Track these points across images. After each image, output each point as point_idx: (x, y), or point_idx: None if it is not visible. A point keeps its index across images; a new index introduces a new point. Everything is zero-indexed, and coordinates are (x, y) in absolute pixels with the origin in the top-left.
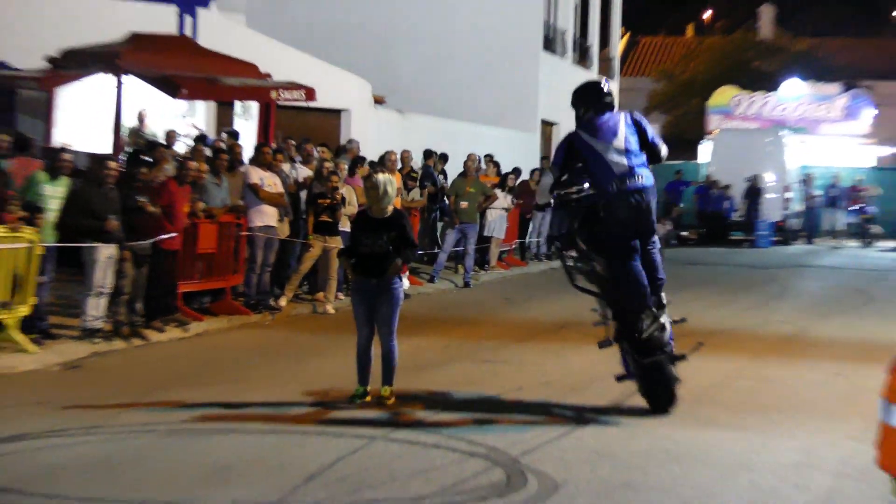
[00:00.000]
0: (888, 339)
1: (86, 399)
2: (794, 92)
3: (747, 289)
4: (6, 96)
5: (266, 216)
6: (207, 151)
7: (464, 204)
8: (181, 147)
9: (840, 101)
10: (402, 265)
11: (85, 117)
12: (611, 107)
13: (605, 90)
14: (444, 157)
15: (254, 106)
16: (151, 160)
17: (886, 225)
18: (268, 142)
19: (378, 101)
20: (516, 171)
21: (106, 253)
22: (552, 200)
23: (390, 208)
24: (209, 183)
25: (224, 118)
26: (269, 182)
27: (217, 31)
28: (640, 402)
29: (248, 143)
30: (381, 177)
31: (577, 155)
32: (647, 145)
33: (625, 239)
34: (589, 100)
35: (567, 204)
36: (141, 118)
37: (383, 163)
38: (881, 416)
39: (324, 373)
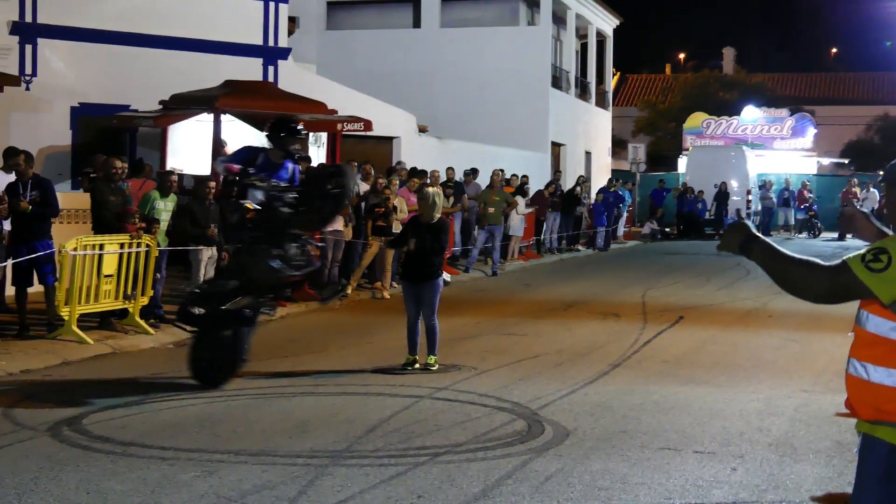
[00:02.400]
0: (831, 311)
1: None
2: (752, 116)
3: (718, 273)
4: (129, 132)
5: (334, 223)
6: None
7: (491, 210)
8: None
9: (788, 123)
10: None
11: (190, 147)
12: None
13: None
14: (475, 172)
15: (323, 136)
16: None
17: (826, 220)
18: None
19: (422, 129)
20: (524, 179)
21: (207, 254)
22: None
23: (437, 216)
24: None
25: (302, 148)
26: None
27: (294, 78)
28: (635, 364)
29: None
30: (431, 190)
31: None
32: None
33: None
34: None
35: None
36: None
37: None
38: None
39: (381, 345)
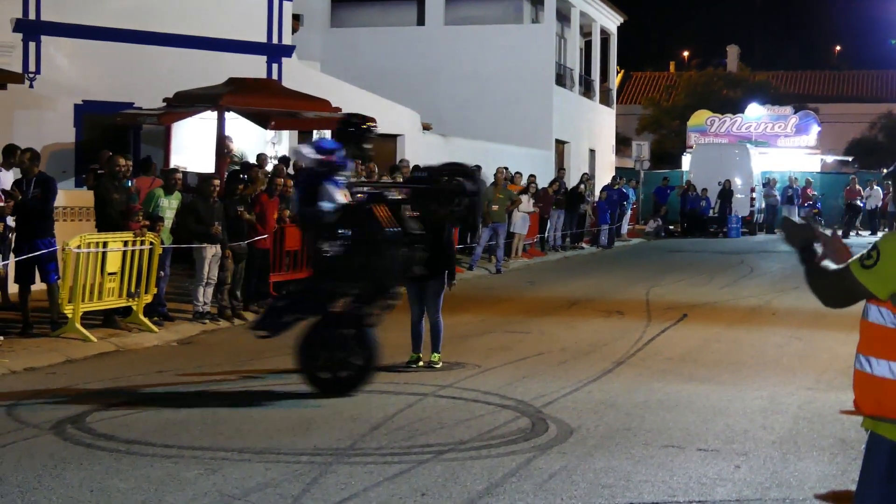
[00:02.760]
0: (835, 309)
1: (197, 368)
2: (756, 114)
3: (722, 270)
4: (133, 130)
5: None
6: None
7: (495, 207)
8: (270, 167)
9: (792, 121)
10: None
11: (194, 145)
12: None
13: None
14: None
15: (328, 133)
16: (247, 178)
17: (830, 218)
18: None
19: (426, 127)
20: (531, 178)
21: (211, 252)
22: None
23: None
24: (294, 195)
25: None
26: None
27: (298, 76)
28: (639, 362)
29: None
30: None
31: None
32: None
33: None
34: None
35: None
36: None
37: None
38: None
39: (385, 343)
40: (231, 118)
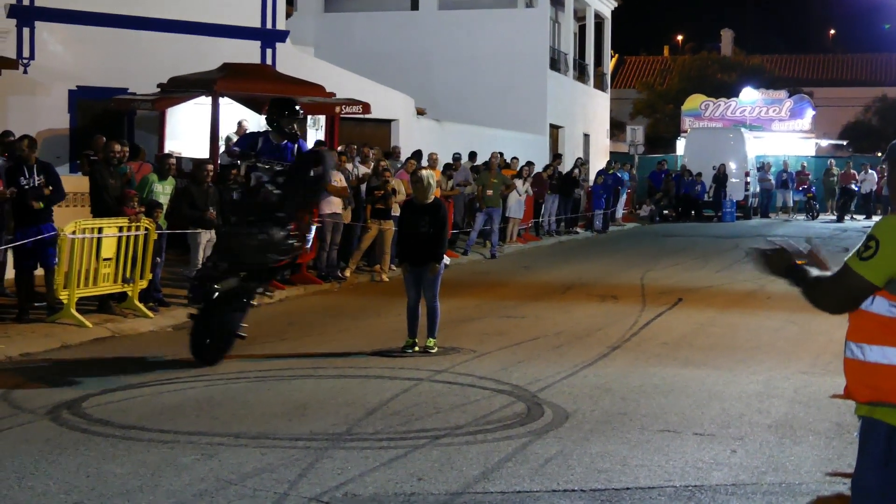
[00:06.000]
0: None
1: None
2: (750, 98)
3: (716, 254)
4: (128, 115)
5: (333, 205)
6: None
7: (489, 192)
8: None
9: (786, 104)
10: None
11: (189, 130)
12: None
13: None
14: (473, 156)
15: (322, 119)
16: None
17: (824, 203)
18: (334, 146)
19: (420, 112)
20: (530, 166)
21: (206, 237)
22: None
23: (432, 197)
24: None
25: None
26: (336, 178)
27: (292, 61)
28: (634, 346)
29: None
30: (425, 172)
31: None
32: None
33: None
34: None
35: None
36: (241, 128)
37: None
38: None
39: (380, 328)
40: (225, 104)
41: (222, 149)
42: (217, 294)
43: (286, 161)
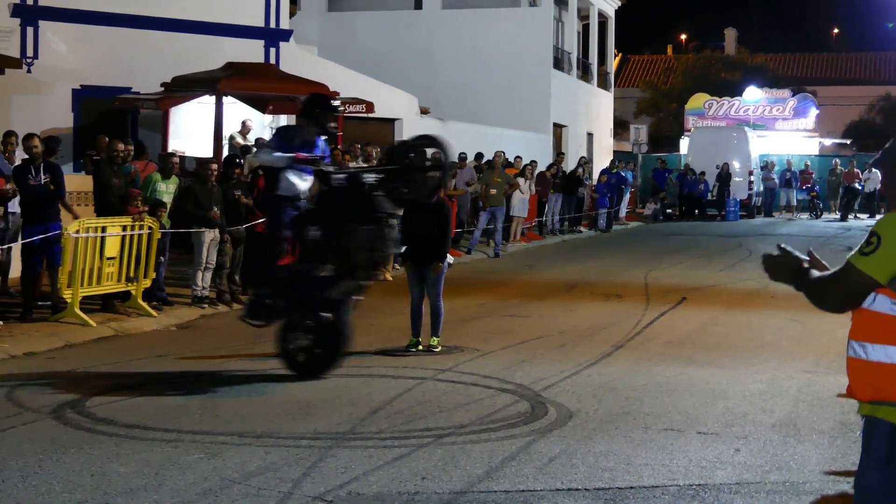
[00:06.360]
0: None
1: (196, 352)
2: (754, 97)
3: (720, 253)
4: (131, 114)
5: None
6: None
7: (493, 191)
8: None
9: (790, 103)
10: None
11: (192, 129)
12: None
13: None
14: (479, 156)
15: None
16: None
17: (827, 202)
18: (337, 145)
19: (423, 111)
20: (533, 164)
21: (210, 236)
22: None
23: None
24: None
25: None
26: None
27: (295, 60)
28: (638, 345)
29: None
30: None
31: None
32: None
33: None
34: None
35: None
36: (246, 127)
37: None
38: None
39: (384, 327)
40: (229, 103)
41: (253, 150)
42: (319, 299)
43: (317, 154)
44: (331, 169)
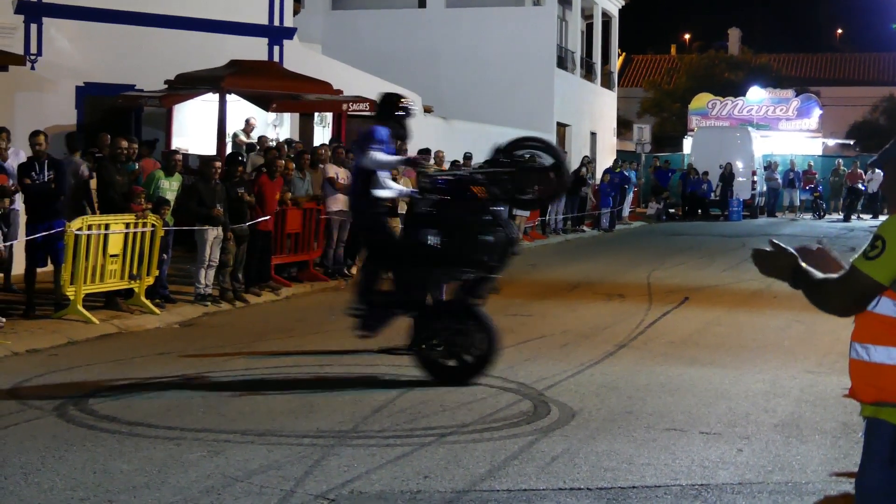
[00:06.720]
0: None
1: (199, 350)
2: (757, 97)
3: (723, 253)
4: (135, 112)
5: (340, 203)
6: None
7: None
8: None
9: (793, 104)
10: None
11: (196, 127)
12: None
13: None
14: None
15: (329, 116)
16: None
17: (831, 201)
18: (341, 144)
19: (427, 110)
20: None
21: (213, 234)
22: None
23: None
24: (295, 177)
25: (305, 127)
26: (343, 176)
27: (299, 58)
28: (640, 345)
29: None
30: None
31: None
32: None
33: None
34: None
35: None
36: (249, 125)
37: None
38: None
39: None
40: (232, 100)
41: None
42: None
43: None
44: (440, 172)
